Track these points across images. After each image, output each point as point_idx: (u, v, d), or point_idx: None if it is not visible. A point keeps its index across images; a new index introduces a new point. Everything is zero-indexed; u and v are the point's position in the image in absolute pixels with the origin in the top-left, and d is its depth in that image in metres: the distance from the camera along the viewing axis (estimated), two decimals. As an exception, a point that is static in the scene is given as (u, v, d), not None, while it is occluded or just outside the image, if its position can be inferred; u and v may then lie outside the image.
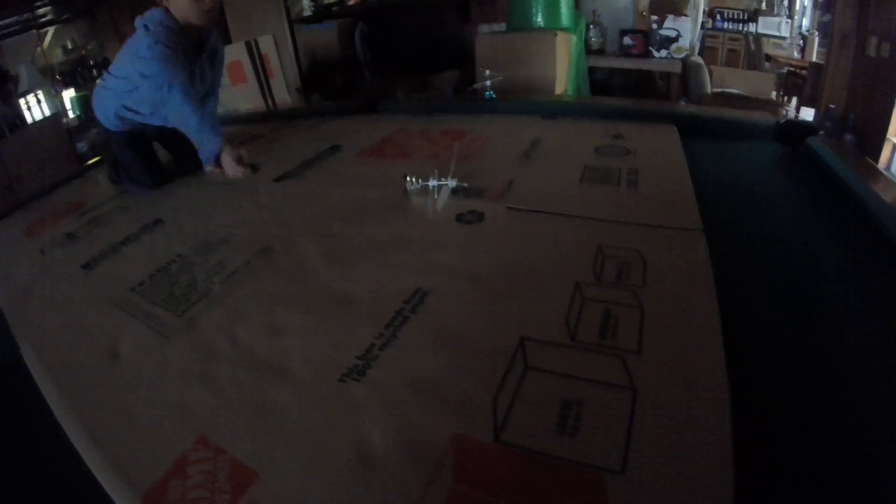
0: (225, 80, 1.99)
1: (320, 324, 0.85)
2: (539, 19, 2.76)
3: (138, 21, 1.47)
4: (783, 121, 1.66)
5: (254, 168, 1.59)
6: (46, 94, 4.87)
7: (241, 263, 1.07)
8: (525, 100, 2.14)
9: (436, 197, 1.21)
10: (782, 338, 0.75)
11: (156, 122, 1.61)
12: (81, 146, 4.86)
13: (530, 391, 0.63)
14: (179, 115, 1.49)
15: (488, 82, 1.92)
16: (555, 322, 0.75)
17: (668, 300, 0.80)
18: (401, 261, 0.99)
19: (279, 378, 0.74)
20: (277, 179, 1.53)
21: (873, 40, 3.36)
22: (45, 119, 4.88)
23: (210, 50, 1.63)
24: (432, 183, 1.23)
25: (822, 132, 1.56)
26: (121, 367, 0.84)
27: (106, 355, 0.86)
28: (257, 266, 1.06)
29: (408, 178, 1.25)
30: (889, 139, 3.26)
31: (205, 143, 1.54)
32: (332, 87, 3.97)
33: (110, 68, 1.62)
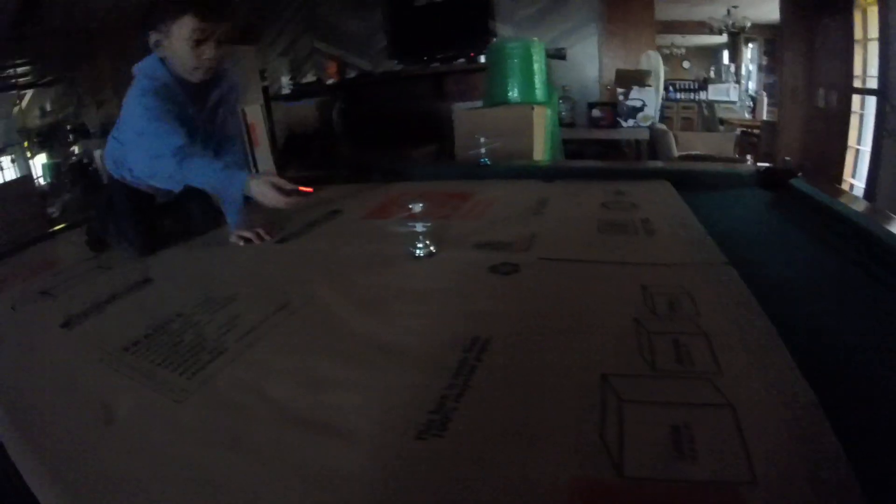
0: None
1: (371, 376, 0.77)
2: (515, 94, 2.94)
3: (134, 70, 1.35)
4: (764, 168, 1.78)
5: (302, 192, 1.37)
6: (19, 156, 4.78)
7: (258, 319, 0.97)
8: (521, 164, 2.23)
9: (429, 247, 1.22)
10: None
11: (159, 184, 1.46)
12: (52, 211, 4.76)
13: (634, 423, 0.62)
14: (188, 174, 1.33)
15: (483, 149, 2.01)
16: (628, 355, 0.75)
17: (725, 325, 0.82)
18: (441, 310, 0.97)
19: (336, 438, 0.64)
20: (280, 241, 1.47)
21: (821, 92, 3.69)
22: (16, 180, 4.67)
23: (214, 103, 1.46)
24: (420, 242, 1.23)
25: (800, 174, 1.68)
26: (121, 432, 0.69)
27: (100, 420, 0.71)
28: (278, 321, 0.96)
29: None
30: (846, 180, 3.51)
31: (227, 183, 1.34)
32: (309, 160, 4.08)
33: (119, 120, 1.46)
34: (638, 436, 0.60)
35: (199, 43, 1.28)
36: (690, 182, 1.73)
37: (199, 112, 1.42)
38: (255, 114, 3.91)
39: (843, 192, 1.57)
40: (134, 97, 1.32)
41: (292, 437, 0.65)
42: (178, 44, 1.28)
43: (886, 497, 0.51)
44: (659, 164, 2.37)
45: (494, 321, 0.90)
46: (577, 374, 0.73)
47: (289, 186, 1.33)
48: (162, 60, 1.32)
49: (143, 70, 1.33)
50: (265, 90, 4.78)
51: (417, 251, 1.22)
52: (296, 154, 4.24)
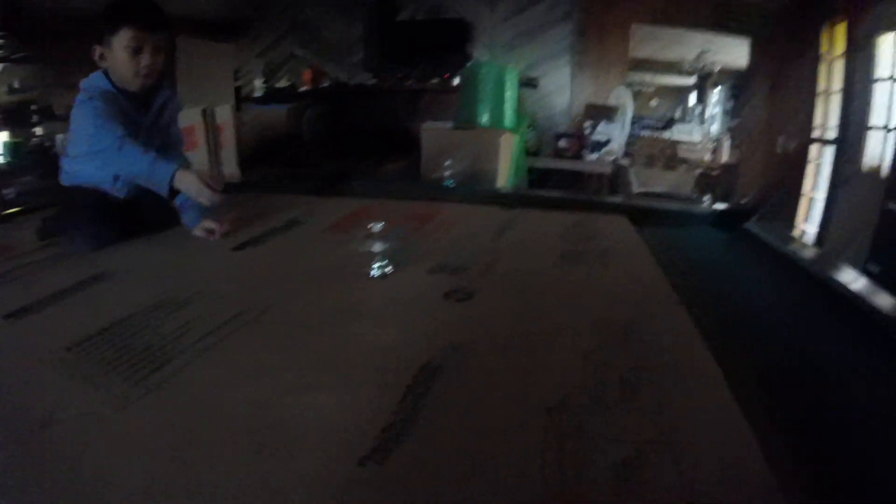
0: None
1: (317, 397, 0.76)
2: (486, 118, 2.96)
3: (80, 84, 1.46)
4: (720, 209, 1.84)
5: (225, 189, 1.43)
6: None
7: (212, 328, 0.95)
8: (485, 190, 2.24)
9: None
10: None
11: (112, 188, 1.52)
12: (8, 192, 4.55)
13: (578, 456, 0.62)
14: (124, 161, 1.40)
15: (447, 171, 2.01)
16: (575, 389, 0.75)
17: (671, 362, 0.84)
18: (393, 334, 0.96)
19: (282, 455, 0.63)
20: (237, 248, 1.45)
21: (781, 138, 3.87)
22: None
23: (157, 109, 1.56)
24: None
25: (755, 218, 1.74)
26: (59, 439, 0.66)
27: (36, 424, 0.68)
28: (231, 331, 0.95)
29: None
30: (797, 227, 3.67)
31: (156, 172, 1.39)
32: (276, 165, 4.00)
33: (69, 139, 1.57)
34: (581, 469, 0.59)
35: (136, 51, 1.39)
36: (649, 219, 1.76)
37: (144, 116, 1.53)
38: (223, 115, 3.78)
39: (793, 238, 1.64)
40: (78, 106, 1.44)
41: (239, 450, 0.64)
42: (119, 54, 1.39)
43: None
44: (618, 199, 2.41)
45: (446, 349, 0.89)
46: (524, 407, 0.72)
47: (216, 184, 1.40)
48: (106, 74, 1.45)
49: (88, 82, 1.46)
50: (237, 90, 4.68)
51: (374, 271, 1.21)
52: (263, 158, 4.17)
